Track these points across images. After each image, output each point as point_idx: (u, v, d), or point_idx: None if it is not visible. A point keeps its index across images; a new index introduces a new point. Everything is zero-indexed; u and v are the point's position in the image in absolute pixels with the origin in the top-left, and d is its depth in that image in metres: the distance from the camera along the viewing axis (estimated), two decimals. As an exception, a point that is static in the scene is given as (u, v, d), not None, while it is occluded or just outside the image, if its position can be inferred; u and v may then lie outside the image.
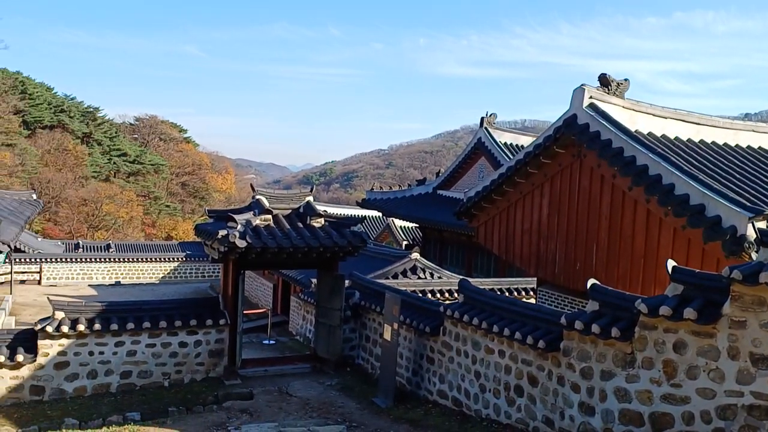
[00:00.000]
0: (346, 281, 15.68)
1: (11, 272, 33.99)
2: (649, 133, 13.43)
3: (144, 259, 42.96)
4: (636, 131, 12.92)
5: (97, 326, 12.92)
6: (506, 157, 27.82)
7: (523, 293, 19.78)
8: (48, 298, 14.02)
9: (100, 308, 13.40)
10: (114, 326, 13.05)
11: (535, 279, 16.57)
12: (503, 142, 30.04)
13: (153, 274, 42.78)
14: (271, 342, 20.63)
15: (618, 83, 13.43)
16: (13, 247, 19.25)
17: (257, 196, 15.22)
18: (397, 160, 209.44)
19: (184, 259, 44.07)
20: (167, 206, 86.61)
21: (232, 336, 14.35)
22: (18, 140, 71.58)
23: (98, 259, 41.81)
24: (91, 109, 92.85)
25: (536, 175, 14.53)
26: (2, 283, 34.91)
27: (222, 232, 13.44)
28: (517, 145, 30.04)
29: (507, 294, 19.03)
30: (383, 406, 11.99)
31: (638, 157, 11.83)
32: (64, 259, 40.65)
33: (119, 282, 40.50)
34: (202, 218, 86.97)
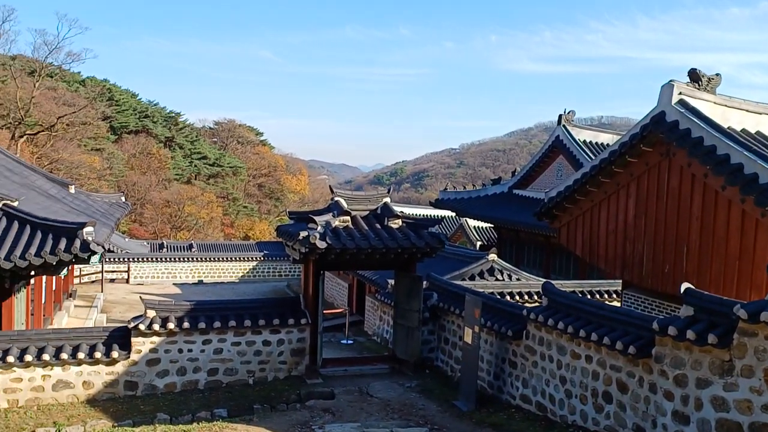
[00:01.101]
0: (424, 282, 15.66)
1: (102, 271, 35.81)
2: (743, 130, 12.78)
3: (224, 259, 44.31)
4: (729, 128, 12.31)
5: (186, 325, 13.42)
6: (585, 156, 27.11)
7: (606, 296, 19.22)
8: (140, 297, 14.66)
9: (189, 307, 13.91)
10: (202, 325, 13.51)
11: (620, 281, 16.07)
12: (582, 140, 29.28)
13: (233, 273, 44.06)
14: (349, 342, 20.86)
15: (709, 78, 12.83)
16: (105, 248, 20.22)
17: (336, 198, 15.41)
18: (469, 158, 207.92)
19: (261, 258, 45.16)
20: (245, 207, 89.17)
21: (313, 335, 14.59)
22: (106, 145, 75.44)
23: (181, 259, 43.42)
24: (173, 114, 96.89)
25: (622, 175, 14.07)
26: (94, 281, 36.81)
27: (303, 234, 13.69)
28: (596, 143, 29.23)
29: (589, 297, 18.54)
30: (465, 409, 11.91)
31: (732, 155, 11.27)
32: (149, 259, 42.44)
33: (202, 281, 41.92)
34: (277, 219, 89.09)
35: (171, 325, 13.31)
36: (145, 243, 52.21)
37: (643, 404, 8.95)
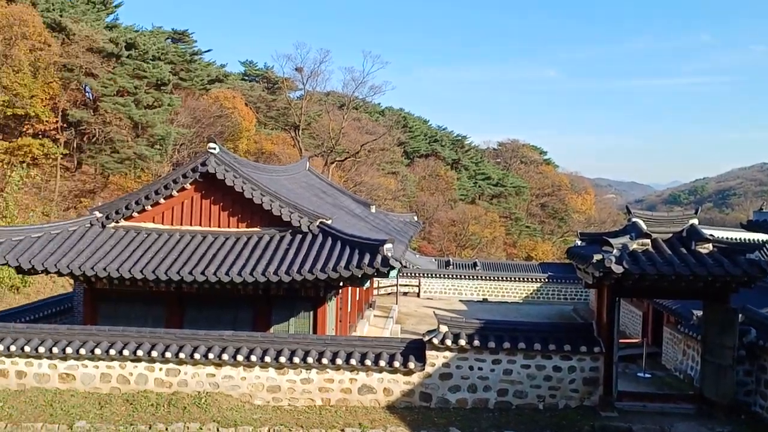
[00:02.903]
0: (739, 316, 13.74)
1: (396, 285, 38.50)
2: None
3: (508, 278, 44.52)
4: None
5: (476, 342, 13.64)
6: None
7: None
8: (434, 312, 15.35)
9: (479, 325, 14.13)
10: (491, 344, 13.62)
11: None
12: None
13: (516, 293, 44.02)
14: (646, 375, 19.22)
15: None
16: (402, 263, 21.64)
17: (633, 219, 14.41)
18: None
19: (546, 280, 44.39)
20: (527, 227, 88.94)
21: (608, 365, 13.76)
22: (400, 168, 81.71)
23: (467, 276, 44.76)
24: (460, 138, 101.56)
25: None
26: (389, 293, 39.73)
27: (597, 257, 13.03)
28: None
29: None
30: (797, 469, 10.06)
31: None
32: (438, 275, 44.55)
33: (486, 299, 42.65)
34: (561, 239, 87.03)
35: (462, 342, 13.65)
36: (433, 260, 54.86)
37: None
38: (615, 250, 13.11)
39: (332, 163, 65.05)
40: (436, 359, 13.80)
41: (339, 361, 13.67)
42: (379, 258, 15.95)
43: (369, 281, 23.38)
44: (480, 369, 13.72)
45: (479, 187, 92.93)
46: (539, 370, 13.67)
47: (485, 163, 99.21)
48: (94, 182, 49.92)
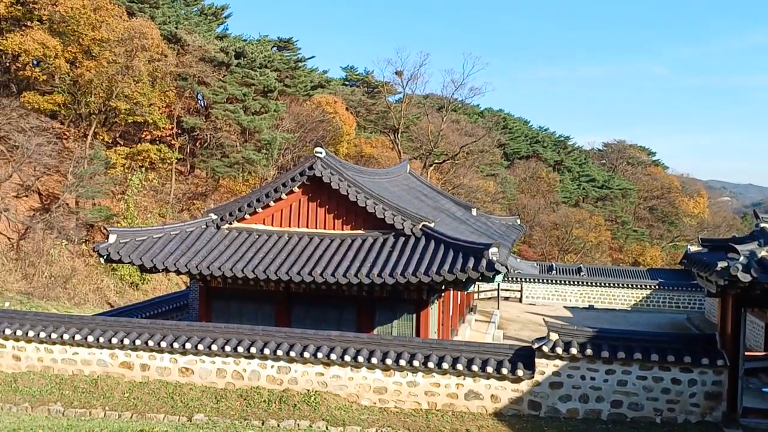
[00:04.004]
0: None
1: (498, 289, 37.90)
2: None
3: (614, 285, 42.75)
4: None
5: (588, 351, 13.16)
6: None
7: None
8: (544, 319, 14.99)
9: (591, 334, 13.62)
10: (605, 353, 13.09)
11: None
12: None
13: (623, 300, 42.18)
14: (773, 391, 17.87)
15: None
16: (508, 268, 21.25)
17: (761, 224, 13.50)
18: None
19: (656, 287, 42.30)
20: (634, 231, 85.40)
21: (732, 380, 12.93)
22: (500, 170, 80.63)
23: (570, 282, 43.36)
24: (562, 138, 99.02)
25: None
26: (490, 298, 39.12)
27: (721, 264, 12.24)
28: None
29: None
30: None
31: None
32: (540, 280, 43.44)
33: (592, 306, 41.17)
34: (671, 244, 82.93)
35: (573, 350, 13.21)
36: (535, 264, 53.69)
37: None
38: (742, 257, 12.25)
39: (431, 165, 65.13)
40: (545, 367, 13.42)
41: (445, 366, 13.55)
42: (483, 262, 15.74)
43: (472, 285, 23.17)
44: (592, 379, 13.22)
45: (583, 189, 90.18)
46: (656, 381, 13.00)
47: (589, 165, 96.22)
48: (205, 185, 52.55)
